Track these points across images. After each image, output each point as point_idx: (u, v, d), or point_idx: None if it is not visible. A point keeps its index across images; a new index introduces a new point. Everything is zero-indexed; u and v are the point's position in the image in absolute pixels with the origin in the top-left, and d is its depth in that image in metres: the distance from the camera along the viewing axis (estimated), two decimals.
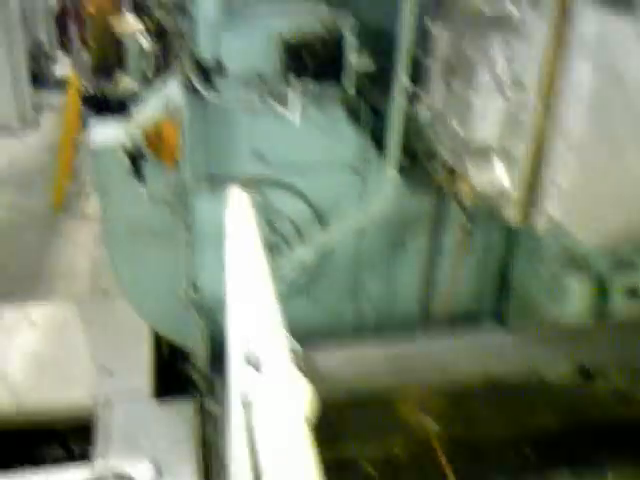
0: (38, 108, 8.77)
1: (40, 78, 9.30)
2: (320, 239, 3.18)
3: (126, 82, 3.69)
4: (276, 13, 3.02)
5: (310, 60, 2.82)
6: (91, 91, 3.75)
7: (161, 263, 3.43)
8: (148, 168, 3.08)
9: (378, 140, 3.27)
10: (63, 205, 6.32)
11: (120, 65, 3.74)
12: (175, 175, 3.08)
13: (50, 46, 10.36)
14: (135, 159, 3.01)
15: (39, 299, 5.01)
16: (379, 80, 3.01)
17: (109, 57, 3.84)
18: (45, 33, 10.27)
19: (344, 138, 3.24)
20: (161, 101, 3.11)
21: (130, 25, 3.62)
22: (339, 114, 3.17)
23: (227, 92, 3.05)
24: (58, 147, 6.19)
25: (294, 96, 2.91)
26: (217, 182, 3.20)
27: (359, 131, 3.21)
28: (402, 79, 2.75)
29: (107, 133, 3.31)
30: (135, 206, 3.24)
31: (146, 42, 3.58)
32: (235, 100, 3.04)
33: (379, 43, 3.09)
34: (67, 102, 6.01)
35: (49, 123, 8.54)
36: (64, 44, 11.15)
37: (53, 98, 9.26)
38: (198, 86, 2.98)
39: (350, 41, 2.85)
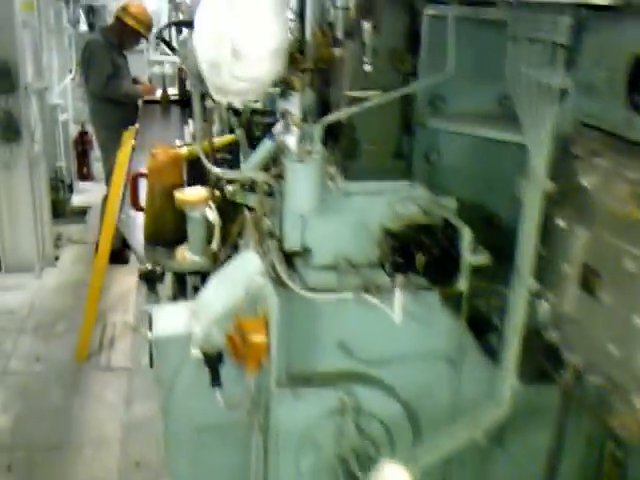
0: (56, 241, 8.47)
1: (58, 208, 9.04)
2: (425, 458, 2.74)
3: (187, 256, 3.37)
4: (368, 196, 2.72)
5: (418, 254, 2.49)
6: (147, 264, 3.42)
7: (228, 465, 3.00)
8: (226, 371, 2.71)
9: (476, 330, 2.93)
10: (88, 355, 5.91)
11: (180, 237, 3.43)
12: (256, 378, 2.70)
13: (69, 175, 10.20)
14: (212, 362, 2.64)
15: (66, 473, 4.54)
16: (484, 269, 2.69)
17: (167, 226, 3.55)
18: (64, 161, 10.12)
19: (439, 327, 2.88)
20: (239, 289, 2.77)
21: (193, 194, 3.33)
22: (435, 302, 2.84)
23: (315, 281, 2.73)
24: (87, 297, 5.83)
25: (397, 292, 2.58)
26: (299, 380, 2.83)
27: (456, 319, 2.87)
28: (524, 278, 2.42)
29: (172, 320, 2.97)
30: (203, 403, 2.85)
31: (212, 213, 3.28)
32: (324, 291, 2.71)
33: (484, 228, 2.80)
34: (97, 253, 5.72)
35: (68, 257, 8.24)
36: (82, 172, 11.04)
37: (71, 229, 9.02)
38: (284, 277, 2.66)
39: (465, 233, 2.54)
